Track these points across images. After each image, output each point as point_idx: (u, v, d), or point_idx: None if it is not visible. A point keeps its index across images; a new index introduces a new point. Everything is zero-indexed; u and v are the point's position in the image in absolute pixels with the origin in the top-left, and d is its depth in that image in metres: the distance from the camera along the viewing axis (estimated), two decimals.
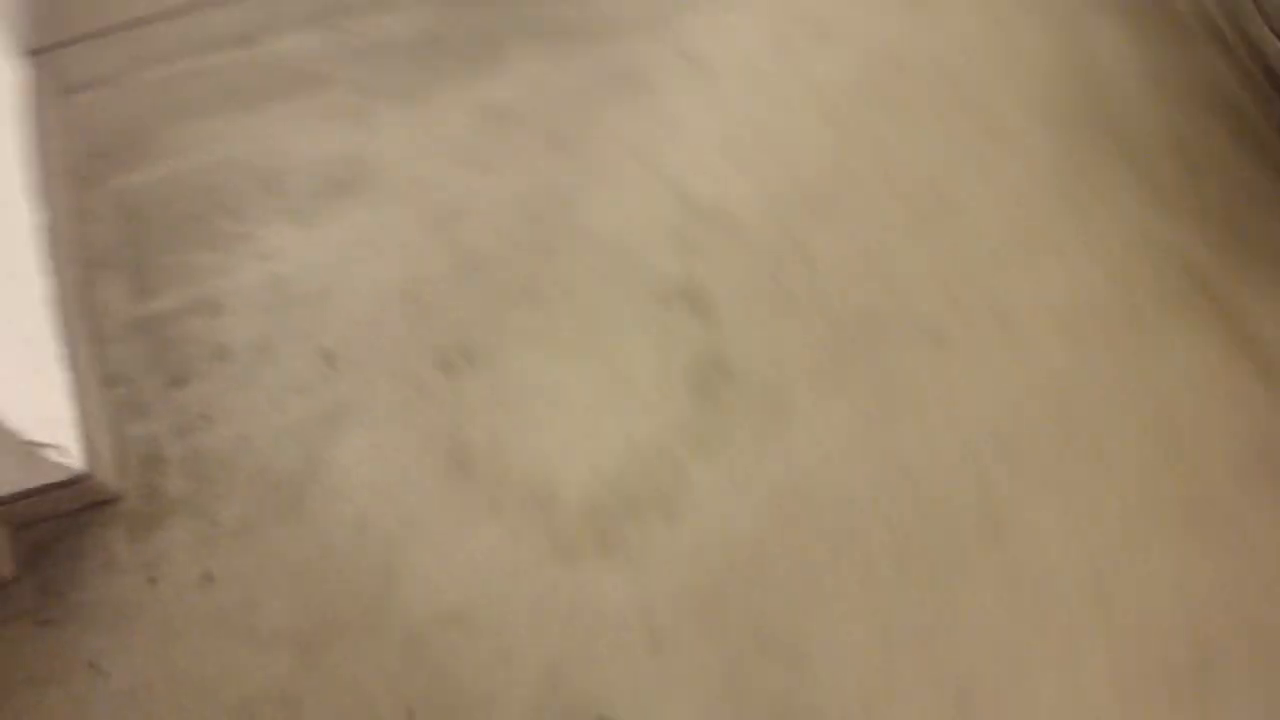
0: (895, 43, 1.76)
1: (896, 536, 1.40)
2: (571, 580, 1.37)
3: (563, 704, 1.30)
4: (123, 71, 1.61)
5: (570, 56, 1.65)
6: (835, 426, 1.46)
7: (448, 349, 1.48)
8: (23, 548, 1.39)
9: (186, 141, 1.58)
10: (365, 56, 1.64)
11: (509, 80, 1.63)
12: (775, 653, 1.34)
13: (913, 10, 1.80)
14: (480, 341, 1.48)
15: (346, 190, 1.55)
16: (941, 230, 1.62)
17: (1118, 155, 1.69)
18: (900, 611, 1.36)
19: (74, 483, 1.33)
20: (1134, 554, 1.41)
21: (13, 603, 1.39)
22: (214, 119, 1.59)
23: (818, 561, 1.38)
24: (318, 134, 1.58)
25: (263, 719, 1.28)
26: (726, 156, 1.63)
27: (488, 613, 1.35)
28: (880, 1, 1.81)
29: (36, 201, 1.45)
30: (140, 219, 1.54)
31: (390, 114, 1.60)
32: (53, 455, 1.27)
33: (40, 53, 1.53)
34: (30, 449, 1.23)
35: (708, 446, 1.44)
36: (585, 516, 1.40)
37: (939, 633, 1.35)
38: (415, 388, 1.45)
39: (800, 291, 1.55)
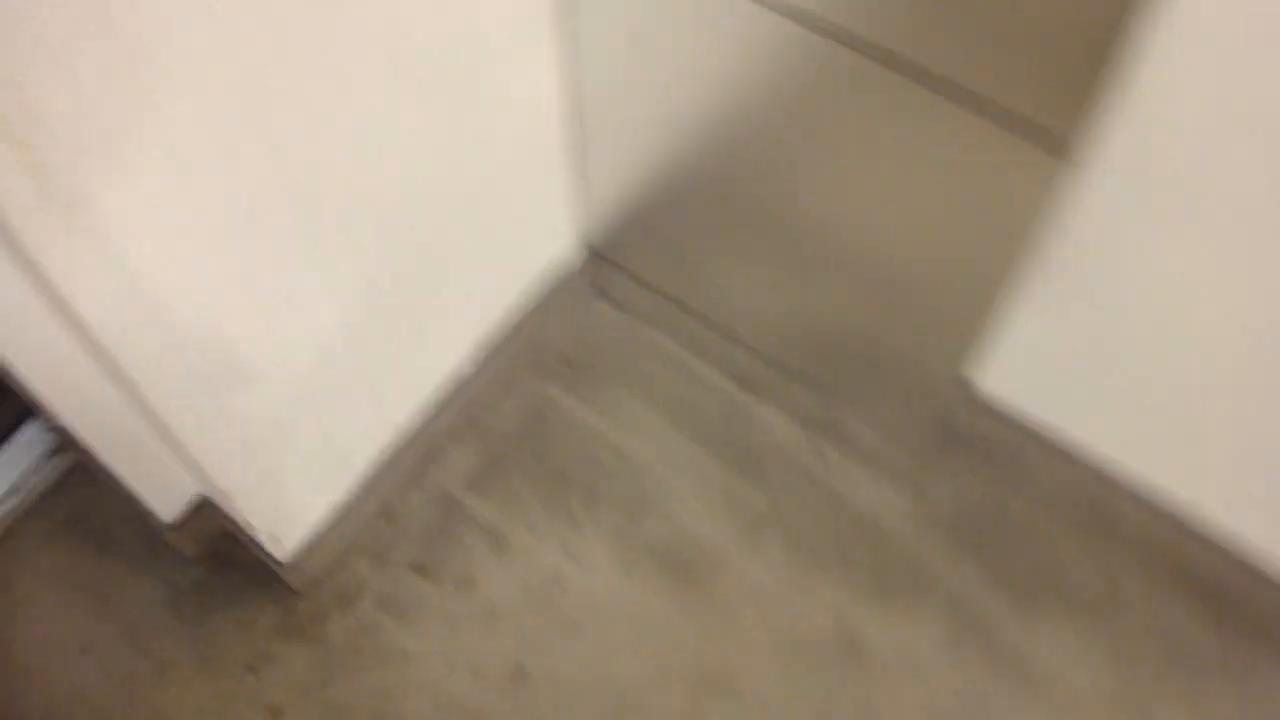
0: None
1: None
2: None
3: None
4: (644, 318, 1.66)
5: (970, 662, 1.45)
6: None
7: None
8: (218, 546, 1.48)
9: (624, 414, 1.59)
10: (806, 482, 1.55)
11: (892, 619, 1.46)
12: None
13: None
14: None
15: (679, 570, 1.47)
16: None
17: None
18: None
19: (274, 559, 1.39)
20: None
21: (175, 575, 1.50)
22: (660, 423, 1.59)
23: None
24: (709, 503, 1.52)
25: None
26: None
27: None
28: None
29: (476, 353, 1.53)
30: (532, 430, 1.58)
31: (772, 543, 1.49)
32: (267, 541, 1.33)
33: (594, 254, 1.62)
34: (255, 529, 1.30)
35: None
36: None
37: None
38: None
39: None
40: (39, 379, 1.12)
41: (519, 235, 1.48)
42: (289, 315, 1.15)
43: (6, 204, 0.80)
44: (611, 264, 1.62)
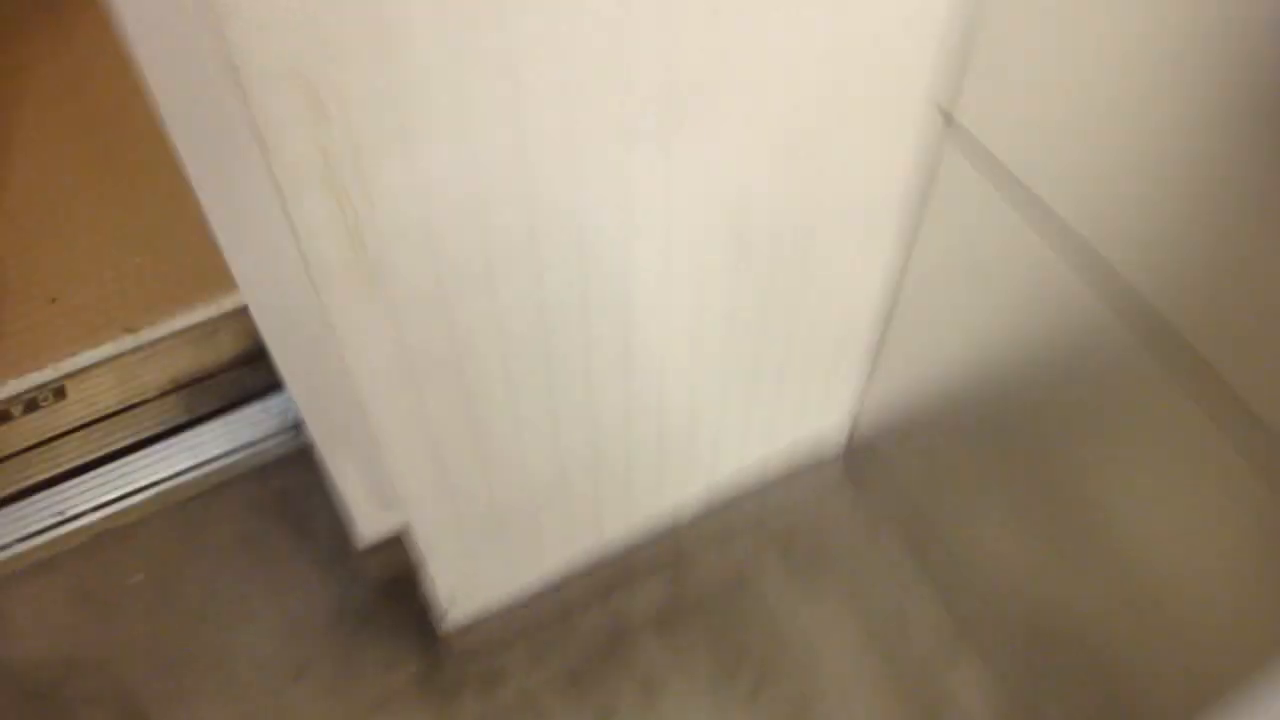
0: None
1: None
2: None
3: None
4: (886, 522, 1.58)
5: None
6: None
7: None
8: (397, 582, 1.50)
9: (828, 610, 1.51)
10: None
11: None
12: None
13: None
14: None
15: None
16: None
17: None
18: None
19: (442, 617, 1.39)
20: None
21: (349, 588, 1.53)
22: (858, 635, 1.49)
23: None
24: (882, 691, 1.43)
25: None
26: None
27: None
28: None
29: (706, 495, 1.50)
30: (731, 590, 1.53)
31: None
32: (443, 599, 1.34)
33: (858, 442, 1.57)
34: (436, 584, 1.31)
35: None
36: None
37: None
38: None
39: None
40: (296, 380, 1.16)
41: (790, 402, 1.44)
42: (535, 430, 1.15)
43: (327, 255, 0.83)
44: (871, 459, 1.56)
